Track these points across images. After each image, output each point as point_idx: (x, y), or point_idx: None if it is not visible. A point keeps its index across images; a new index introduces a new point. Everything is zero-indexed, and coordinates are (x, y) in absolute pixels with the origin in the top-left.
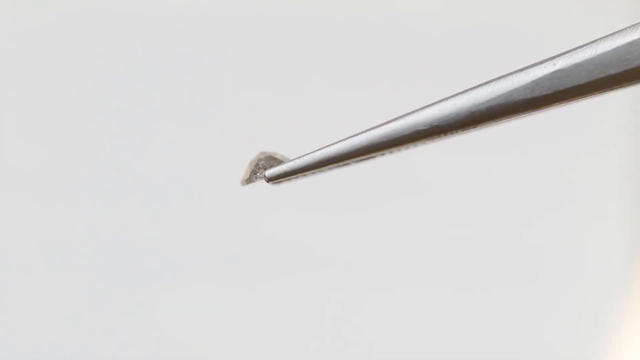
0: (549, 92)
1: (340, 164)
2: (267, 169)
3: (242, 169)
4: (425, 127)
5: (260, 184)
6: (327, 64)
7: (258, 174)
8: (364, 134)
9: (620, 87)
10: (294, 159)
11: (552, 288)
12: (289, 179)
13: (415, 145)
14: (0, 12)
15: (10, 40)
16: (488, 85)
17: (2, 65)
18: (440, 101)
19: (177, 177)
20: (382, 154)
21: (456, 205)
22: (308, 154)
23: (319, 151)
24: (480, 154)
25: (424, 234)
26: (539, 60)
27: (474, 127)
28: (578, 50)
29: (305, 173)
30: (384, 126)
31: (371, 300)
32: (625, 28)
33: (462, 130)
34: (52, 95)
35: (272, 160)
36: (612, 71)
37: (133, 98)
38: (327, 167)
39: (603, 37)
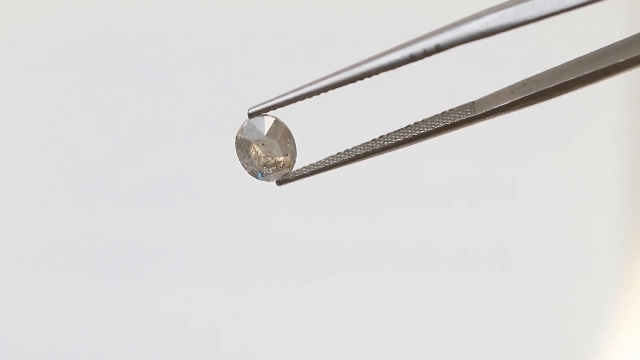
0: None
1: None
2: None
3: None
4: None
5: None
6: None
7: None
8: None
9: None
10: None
11: (545, 285)
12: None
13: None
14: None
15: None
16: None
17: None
18: None
19: (177, 176)
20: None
21: (454, 204)
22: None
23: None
24: (476, 152)
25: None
26: None
27: None
28: None
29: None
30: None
31: (365, 299)
32: None
33: None
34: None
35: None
36: None
37: (131, 95)
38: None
39: None
